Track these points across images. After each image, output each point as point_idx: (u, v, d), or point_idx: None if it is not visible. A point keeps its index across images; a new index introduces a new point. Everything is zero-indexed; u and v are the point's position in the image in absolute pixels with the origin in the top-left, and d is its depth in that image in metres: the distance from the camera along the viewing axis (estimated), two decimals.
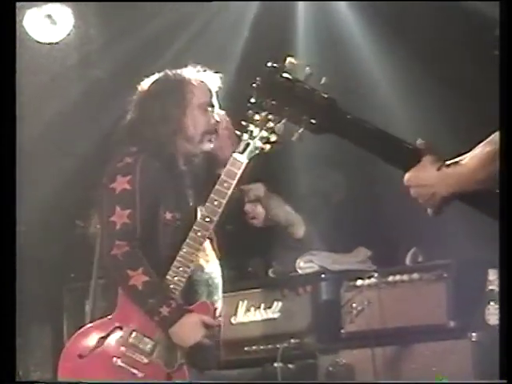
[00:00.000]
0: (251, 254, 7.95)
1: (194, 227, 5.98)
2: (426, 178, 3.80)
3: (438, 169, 3.79)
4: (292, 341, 7.49)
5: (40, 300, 8.53)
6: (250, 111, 5.78)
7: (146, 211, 6.09)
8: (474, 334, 6.66)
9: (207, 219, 5.98)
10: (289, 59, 3.93)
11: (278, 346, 7.39)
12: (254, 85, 3.93)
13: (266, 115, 5.57)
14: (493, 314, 6.73)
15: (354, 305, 7.30)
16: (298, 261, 7.53)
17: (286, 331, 7.56)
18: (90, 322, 6.32)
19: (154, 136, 6.17)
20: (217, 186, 5.98)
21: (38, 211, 9.03)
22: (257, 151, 5.98)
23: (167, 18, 9.28)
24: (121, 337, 5.97)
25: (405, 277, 7.15)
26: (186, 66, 6.57)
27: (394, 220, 7.62)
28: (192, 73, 6.39)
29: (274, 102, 3.94)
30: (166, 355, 5.94)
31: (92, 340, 5.96)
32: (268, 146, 5.95)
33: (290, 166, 7.63)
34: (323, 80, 3.87)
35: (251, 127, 5.95)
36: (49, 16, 9.47)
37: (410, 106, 7.53)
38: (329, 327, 7.45)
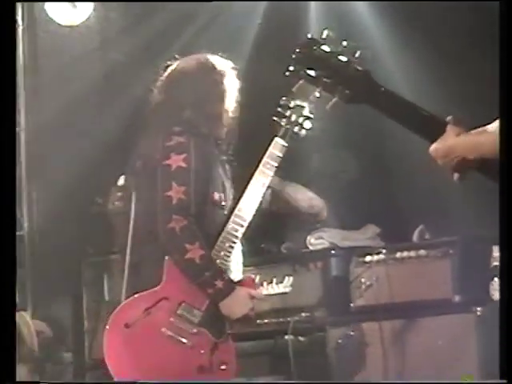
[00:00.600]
0: (265, 231, 7.69)
1: (239, 206, 6.19)
2: (450, 144, 3.88)
3: (460, 136, 3.86)
4: (303, 314, 7.62)
5: (60, 274, 8.46)
6: (282, 104, 6.15)
7: (199, 190, 6.17)
8: (478, 309, 6.75)
9: (249, 198, 6.25)
10: (326, 32, 4.02)
11: (289, 319, 7.49)
12: (293, 55, 4.01)
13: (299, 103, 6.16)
14: (497, 289, 6.85)
15: (363, 280, 7.39)
16: (308, 237, 7.60)
17: (296, 305, 7.64)
18: (126, 295, 6.25)
19: (197, 118, 6.23)
20: (260, 167, 6.23)
21: (58, 189, 8.91)
22: (294, 136, 6.16)
23: (184, 3, 9.19)
24: (169, 308, 6.08)
25: (412, 253, 7.25)
26: (210, 52, 6.57)
27: (402, 198, 7.67)
28: (221, 60, 6.43)
29: (310, 72, 4.01)
30: (214, 326, 6.04)
31: (138, 310, 6.06)
32: (303, 132, 6.16)
33: (301, 148, 7.38)
34: (358, 53, 3.96)
35: (288, 113, 6.19)
36: (70, 1, 9.16)
37: (425, 97, 7.10)
38: (338, 301, 7.53)
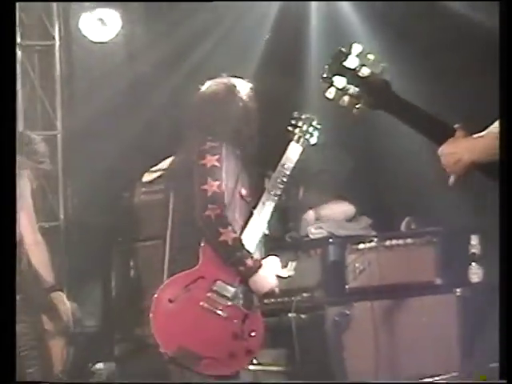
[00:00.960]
0: (272, 221, 7.67)
1: (262, 199, 6.24)
2: (455, 147, 3.79)
3: (465, 140, 3.79)
4: (304, 295, 7.56)
5: (91, 259, 8.50)
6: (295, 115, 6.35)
7: (229, 185, 6.21)
8: (458, 290, 6.84)
9: (272, 193, 6.28)
10: (354, 46, 3.94)
11: (292, 299, 7.40)
12: (326, 65, 3.93)
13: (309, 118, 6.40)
14: (474, 273, 6.94)
15: (357, 265, 7.38)
16: (309, 227, 7.63)
17: (299, 287, 7.39)
18: (168, 275, 6.16)
19: (225, 130, 6.25)
20: (278, 168, 6.24)
21: (90, 185, 9.13)
22: (306, 142, 6.29)
23: (201, 20, 9.04)
24: (205, 285, 6.07)
25: (400, 241, 7.30)
26: (234, 76, 6.54)
27: (392, 193, 7.67)
28: (243, 83, 6.48)
29: (340, 80, 3.92)
30: (245, 299, 6.03)
31: (179, 288, 6.05)
32: (313, 140, 6.32)
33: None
34: (381, 66, 3.90)
35: (300, 123, 6.38)
36: (100, 19, 9.42)
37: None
38: (335, 283, 7.49)
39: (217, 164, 6.17)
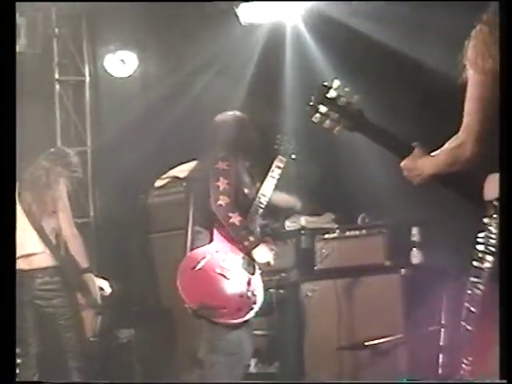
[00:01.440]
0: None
1: (259, 195, 6.64)
2: (415, 163, 3.85)
3: (423, 157, 3.85)
4: (282, 274, 7.63)
5: (115, 248, 8.57)
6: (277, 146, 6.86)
7: (236, 184, 6.51)
8: (402, 270, 6.82)
9: (265, 192, 6.62)
10: (335, 81, 4.04)
11: (272, 278, 7.35)
12: (312, 96, 4.04)
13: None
14: (415, 256, 6.99)
15: (323, 251, 7.42)
16: (286, 222, 7.69)
17: (278, 268, 7.29)
18: (190, 249, 6.56)
19: (234, 149, 6.58)
20: (270, 174, 6.71)
21: (114, 188, 9.10)
22: (289, 156, 6.78)
23: (200, 60, 8.80)
24: (219, 256, 6.41)
25: (356, 232, 7.37)
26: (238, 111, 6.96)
27: (350, 195, 7.64)
28: (245, 116, 6.83)
29: (324, 107, 4.00)
30: (248, 267, 6.39)
31: (199, 258, 6.36)
32: (293, 156, 6.82)
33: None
34: (355, 97, 3.98)
35: (283, 143, 6.85)
36: (121, 60, 9.41)
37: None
38: (306, 265, 7.53)
39: (227, 168, 6.53)
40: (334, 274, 7.32)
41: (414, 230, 7.05)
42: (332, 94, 4.05)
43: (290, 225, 7.81)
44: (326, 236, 7.52)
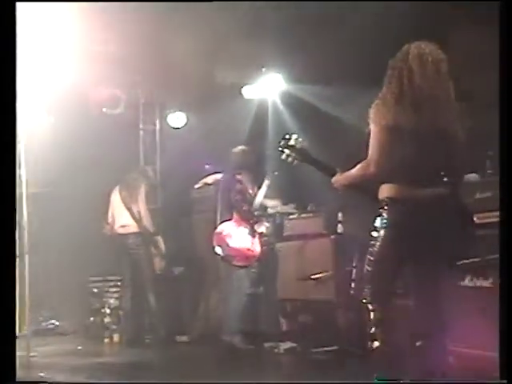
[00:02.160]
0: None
1: (257, 196, 7.12)
2: (336, 180, 4.00)
3: (341, 176, 3.95)
4: (266, 238, 7.40)
5: (171, 222, 8.68)
6: None
7: (245, 188, 7.10)
8: (332, 236, 6.92)
9: (259, 194, 7.11)
10: (293, 135, 4.29)
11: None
12: (280, 142, 4.32)
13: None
14: (339, 228, 6.95)
15: (288, 225, 7.60)
16: (268, 208, 7.63)
17: (265, 234, 7.27)
18: (220, 223, 7.03)
19: (245, 165, 7.21)
20: (263, 183, 7.15)
21: (171, 190, 9.05)
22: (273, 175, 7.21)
23: (216, 117, 8.52)
24: (236, 227, 6.99)
25: (307, 214, 7.48)
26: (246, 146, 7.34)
27: (304, 193, 7.65)
28: (250, 148, 7.36)
29: (287, 150, 4.25)
30: (251, 234, 6.96)
31: (224, 228, 6.95)
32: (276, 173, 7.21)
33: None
34: (304, 143, 4.26)
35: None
36: (177, 117, 9.46)
37: None
38: (279, 233, 7.60)
39: (240, 178, 7.10)
40: (294, 238, 7.38)
41: (339, 213, 6.92)
42: (292, 141, 4.30)
43: (271, 211, 7.65)
44: (290, 217, 7.57)
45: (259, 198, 7.22)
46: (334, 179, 4.04)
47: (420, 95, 3.67)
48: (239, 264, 7.00)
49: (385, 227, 3.74)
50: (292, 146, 4.31)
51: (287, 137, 4.33)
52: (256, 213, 7.21)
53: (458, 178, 3.88)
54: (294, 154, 4.31)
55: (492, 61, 3.89)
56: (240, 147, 7.38)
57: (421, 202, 3.67)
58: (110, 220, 8.09)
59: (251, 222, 7.13)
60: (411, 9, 5.69)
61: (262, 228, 7.22)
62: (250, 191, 7.25)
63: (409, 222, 3.70)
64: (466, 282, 4.89)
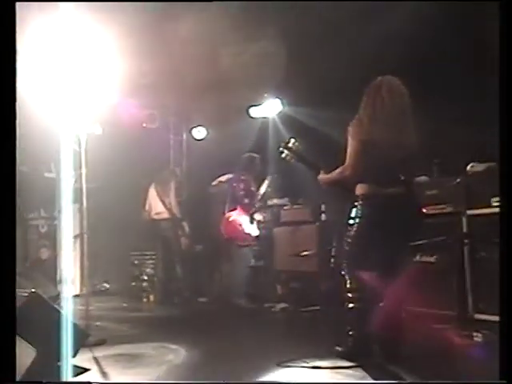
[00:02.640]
0: None
1: (258, 192, 7.10)
2: (321, 177, 4.05)
3: (326, 175, 4.01)
4: (265, 224, 7.47)
5: (195, 212, 8.33)
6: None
7: (248, 186, 7.04)
8: (317, 223, 6.74)
9: (260, 191, 7.10)
10: (292, 139, 4.32)
11: (263, 225, 7.42)
12: (281, 145, 4.37)
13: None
14: (323, 217, 6.73)
15: (283, 213, 7.33)
16: (267, 200, 7.57)
17: (264, 221, 7.45)
18: (228, 211, 7.01)
19: (252, 170, 7.14)
20: (264, 183, 7.15)
21: (194, 186, 8.80)
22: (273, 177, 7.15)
23: (230, 132, 8.27)
24: (240, 215, 6.96)
25: (298, 206, 7.18)
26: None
27: (295, 189, 7.39)
28: (257, 157, 7.23)
29: (286, 151, 4.30)
30: (251, 221, 6.93)
31: (230, 216, 6.95)
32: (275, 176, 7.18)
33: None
34: (300, 146, 4.29)
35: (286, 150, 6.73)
36: (198, 130, 9.23)
37: None
38: (276, 220, 7.41)
39: (245, 178, 7.06)
40: (288, 224, 7.17)
41: (323, 205, 6.77)
42: (290, 144, 4.34)
43: (270, 203, 7.56)
44: (285, 207, 7.37)
45: (260, 193, 7.15)
46: (319, 177, 4.07)
47: (387, 117, 3.75)
48: (240, 243, 6.97)
49: (359, 217, 3.79)
50: (290, 147, 4.33)
51: (286, 140, 4.36)
52: (256, 205, 7.15)
53: (413, 179, 3.95)
54: (290, 154, 4.33)
55: None
56: (246, 154, 7.31)
57: (386, 197, 3.72)
58: (147, 208, 8.08)
59: (251, 212, 7.08)
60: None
61: (259, 217, 7.18)
62: (253, 188, 7.16)
63: (377, 212, 3.75)
64: (417, 258, 4.94)
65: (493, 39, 2.73)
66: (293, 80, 6.85)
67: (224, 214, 7.04)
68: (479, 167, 4.64)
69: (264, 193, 7.17)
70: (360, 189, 3.83)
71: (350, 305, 3.80)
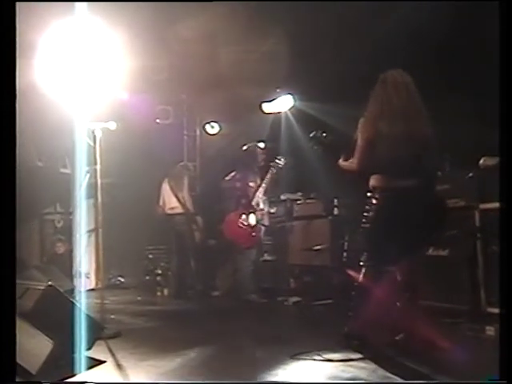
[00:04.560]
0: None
1: (260, 189, 6.95)
2: (342, 163, 4.06)
3: (344, 162, 4.04)
4: (279, 218, 7.46)
5: (206, 206, 8.23)
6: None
7: (246, 183, 6.98)
8: (329, 217, 6.66)
9: (263, 185, 6.89)
10: (313, 131, 4.35)
11: (277, 220, 7.48)
12: (310, 136, 4.39)
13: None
14: (335, 211, 6.65)
15: (296, 208, 7.28)
16: (281, 196, 7.57)
17: (278, 215, 7.43)
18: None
19: (250, 163, 7.03)
20: (267, 176, 6.94)
21: (206, 181, 8.84)
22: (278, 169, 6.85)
23: (242, 128, 8.29)
24: (237, 216, 6.86)
25: (310, 200, 7.14)
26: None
27: (308, 184, 7.38)
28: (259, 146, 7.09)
29: (313, 140, 4.33)
30: (251, 220, 6.80)
31: (228, 217, 6.93)
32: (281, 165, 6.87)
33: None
34: (324, 135, 4.25)
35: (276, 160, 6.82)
36: (212, 126, 9.25)
37: None
38: (290, 215, 7.35)
39: (242, 177, 7.02)
40: (301, 218, 7.15)
41: (335, 200, 6.73)
42: (314, 135, 4.37)
43: (283, 197, 7.52)
44: (298, 202, 7.31)
45: (260, 192, 6.96)
46: (339, 161, 4.11)
47: (395, 111, 3.76)
48: (243, 245, 6.90)
49: (372, 209, 3.82)
50: (316, 137, 4.37)
51: (313, 132, 4.39)
52: (257, 202, 6.95)
53: (430, 171, 3.88)
54: (318, 145, 4.38)
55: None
56: (246, 146, 7.10)
57: (398, 190, 3.71)
58: (161, 203, 8.07)
59: (248, 212, 6.95)
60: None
61: (257, 218, 6.91)
62: (252, 184, 7.00)
63: (389, 205, 3.75)
64: (430, 251, 4.87)
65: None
66: (304, 76, 6.86)
67: (228, 213, 7.03)
68: (491, 161, 4.59)
69: (266, 187, 7.03)
70: (373, 181, 3.85)
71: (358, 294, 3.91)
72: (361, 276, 3.86)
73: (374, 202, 3.80)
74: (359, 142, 3.79)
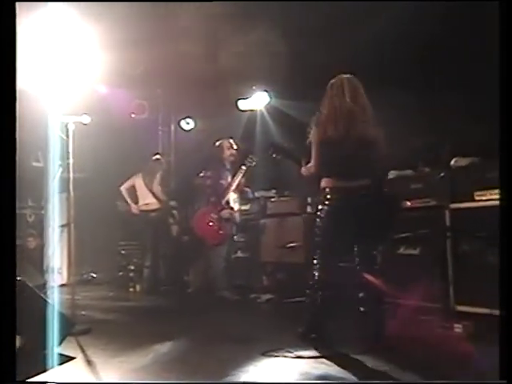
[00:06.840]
0: None
1: (234, 184, 6.76)
2: (303, 170, 4.06)
3: (304, 168, 4.01)
4: (253, 215, 7.45)
5: (178, 200, 8.19)
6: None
7: (217, 179, 6.78)
8: (304, 215, 6.63)
9: (235, 182, 6.75)
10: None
11: (250, 217, 7.46)
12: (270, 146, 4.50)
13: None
14: (307, 209, 6.62)
15: (270, 206, 7.22)
16: (255, 193, 7.53)
17: (252, 212, 7.51)
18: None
19: (222, 159, 6.80)
20: (239, 172, 6.76)
21: (180, 177, 8.76)
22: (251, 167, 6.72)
23: (218, 124, 8.21)
24: (209, 213, 6.68)
25: (285, 198, 7.12)
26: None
27: (282, 182, 7.32)
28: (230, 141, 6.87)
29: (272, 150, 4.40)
30: (217, 221, 6.68)
31: (198, 214, 6.75)
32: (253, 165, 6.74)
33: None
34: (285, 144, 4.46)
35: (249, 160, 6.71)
36: (187, 122, 9.19)
37: None
38: (263, 212, 7.27)
39: (212, 175, 6.83)
40: (275, 215, 7.11)
41: (308, 198, 6.69)
42: (275, 143, 4.62)
43: (256, 194, 7.48)
44: (272, 199, 7.29)
45: (231, 188, 6.84)
46: (302, 169, 4.11)
47: (342, 115, 3.80)
48: (212, 242, 6.77)
49: (323, 209, 3.86)
50: (277, 146, 4.51)
51: (273, 142, 4.69)
52: (227, 199, 6.82)
53: (377, 172, 3.89)
54: (276, 153, 4.45)
55: None
56: (217, 142, 6.90)
57: (347, 190, 3.75)
58: (134, 199, 8.01)
59: (218, 209, 6.77)
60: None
61: (226, 215, 6.79)
62: (223, 182, 6.81)
63: (339, 205, 3.79)
64: (401, 250, 4.94)
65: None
66: (280, 73, 6.80)
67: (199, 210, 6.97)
68: (463, 162, 4.63)
69: (238, 184, 6.92)
70: (323, 182, 3.89)
71: (315, 294, 3.88)
72: (315, 273, 3.87)
73: (325, 202, 3.84)
74: (313, 146, 3.84)
